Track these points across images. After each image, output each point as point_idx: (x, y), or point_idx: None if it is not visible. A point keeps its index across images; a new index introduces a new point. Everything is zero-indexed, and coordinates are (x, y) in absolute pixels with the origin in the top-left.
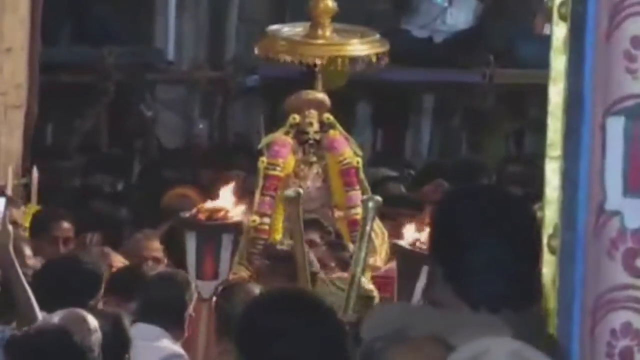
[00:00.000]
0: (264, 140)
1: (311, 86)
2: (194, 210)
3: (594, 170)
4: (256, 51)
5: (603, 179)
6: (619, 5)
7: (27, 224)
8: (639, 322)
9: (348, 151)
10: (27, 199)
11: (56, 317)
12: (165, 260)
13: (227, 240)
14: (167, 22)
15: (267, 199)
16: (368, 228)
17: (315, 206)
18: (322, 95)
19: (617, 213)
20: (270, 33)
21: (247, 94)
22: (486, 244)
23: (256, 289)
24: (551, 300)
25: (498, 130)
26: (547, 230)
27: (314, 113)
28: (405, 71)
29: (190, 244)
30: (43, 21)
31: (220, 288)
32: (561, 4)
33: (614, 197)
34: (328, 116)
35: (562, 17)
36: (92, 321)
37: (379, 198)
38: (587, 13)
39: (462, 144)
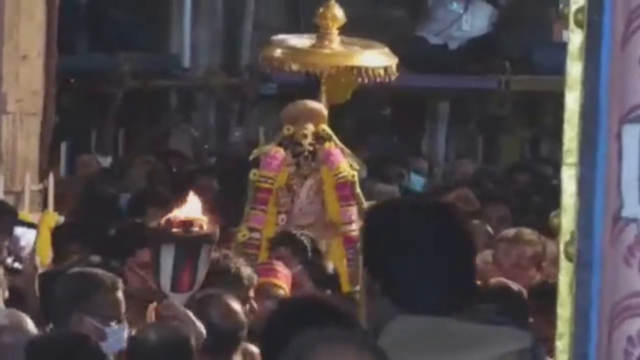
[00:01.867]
0: (256, 152)
1: (316, 97)
2: (164, 221)
3: (610, 178)
4: (261, 59)
5: (619, 186)
6: (634, 13)
7: (45, 230)
8: None
9: (344, 164)
10: (44, 205)
11: None
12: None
13: (205, 251)
14: (182, 30)
15: (258, 212)
16: None
17: (308, 221)
18: (318, 106)
19: (634, 220)
20: (275, 42)
21: (264, 101)
22: (416, 255)
23: (232, 300)
24: (568, 308)
25: (514, 136)
26: (564, 237)
27: (309, 124)
28: (420, 77)
29: (167, 256)
30: (59, 29)
31: (196, 297)
32: (577, 11)
33: (631, 204)
34: (324, 128)
35: (579, 24)
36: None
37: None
38: (603, 20)
39: (477, 150)
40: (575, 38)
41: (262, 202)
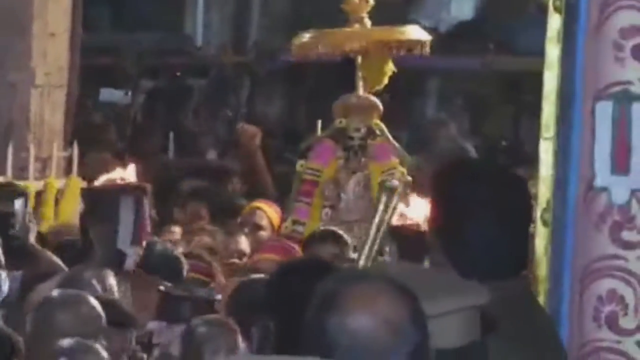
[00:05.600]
0: (306, 142)
1: (350, 77)
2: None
3: (584, 151)
4: (293, 52)
5: (592, 158)
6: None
7: (70, 193)
8: (624, 289)
9: (394, 161)
10: (69, 171)
11: None
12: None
13: (147, 205)
14: (196, 11)
15: (302, 205)
16: (380, 210)
17: (353, 218)
18: (372, 100)
19: (604, 189)
20: (301, 35)
21: (270, 77)
22: (482, 219)
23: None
24: (543, 268)
25: (496, 113)
26: (541, 204)
27: (361, 118)
28: (411, 58)
29: (127, 209)
30: (84, 9)
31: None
32: None
33: (603, 175)
34: (377, 122)
35: (557, 10)
36: None
37: (395, 182)
38: (580, 6)
39: (463, 125)
40: (553, 22)
41: (307, 194)
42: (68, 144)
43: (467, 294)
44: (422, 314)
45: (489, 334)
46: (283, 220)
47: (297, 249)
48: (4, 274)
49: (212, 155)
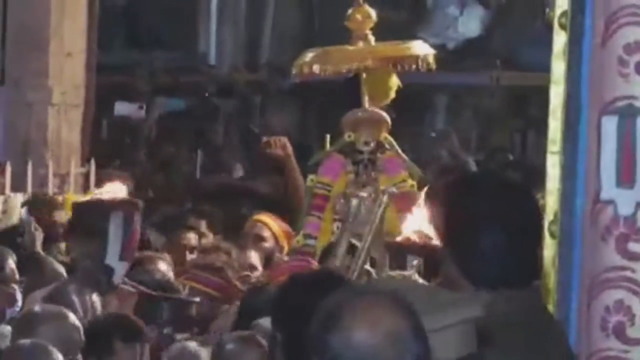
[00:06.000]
0: (316, 156)
1: (354, 96)
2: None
3: (590, 164)
4: (293, 72)
5: (598, 171)
6: (613, 16)
7: None
8: (630, 300)
9: (403, 174)
10: (86, 187)
11: None
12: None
13: (137, 221)
14: (209, 30)
15: (314, 219)
16: (376, 218)
17: (363, 230)
18: (380, 113)
19: (611, 202)
20: (304, 55)
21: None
22: (491, 230)
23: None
24: (551, 279)
25: (503, 127)
26: (548, 217)
27: (370, 132)
28: (420, 75)
29: (116, 224)
30: (99, 29)
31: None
32: (561, 15)
33: (609, 188)
34: (386, 136)
35: (562, 27)
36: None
37: (394, 190)
38: (585, 23)
39: (471, 139)
40: (559, 39)
41: (318, 208)
42: (85, 160)
43: (462, 308)
44: (422, 327)
45: (491, 346)
46: (293, 234)
47: (315, 264)
48: (17, 289)
49: (239, 172)
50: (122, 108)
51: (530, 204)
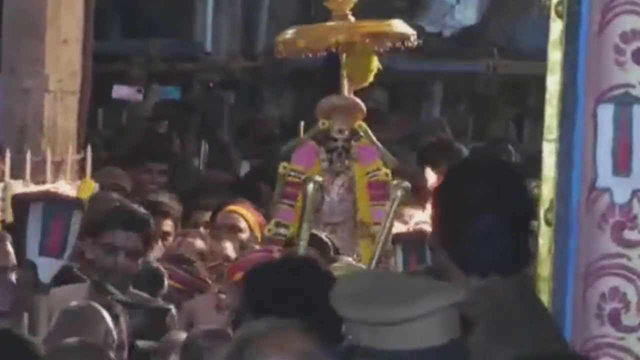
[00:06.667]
0: (289, 144)
1: (335, 77)
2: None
3: (586, 152)
4: (277, 49)
5: (594, 159)
6: (609, 4)
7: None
8: (626, 287)
9: (378, 162)
10: (82, 174)
11: None
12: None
13: (76, 217)
14: (205, 18)
15: (286, 207)
16: (392, 215)
17: (337, 220)
18: (355, 100)
19: (606, 190)
20: (285, 32)
21: (278, 82)
22: (482, 216)
23: None
24: (547, 267)
25: (500, 115)
26: (544, 205)
27: (345, 119)
28: (417, 62)
29: (35, 216)
30: (96, 16)
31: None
32: (558, 3)
33: (604, 176)
34: (360, 124)
35: (559, 15)
36: None
37: (407, 184)
38: (581, 11)
39: (468, 127)
40: (555, 27)
41: (291, 196)
42: (81, 147)
43: (444, 294)
44: (327, 345)
45: (476, 331)
46: (264, 223)
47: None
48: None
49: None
50: (120, 91)
51: (522, 189)
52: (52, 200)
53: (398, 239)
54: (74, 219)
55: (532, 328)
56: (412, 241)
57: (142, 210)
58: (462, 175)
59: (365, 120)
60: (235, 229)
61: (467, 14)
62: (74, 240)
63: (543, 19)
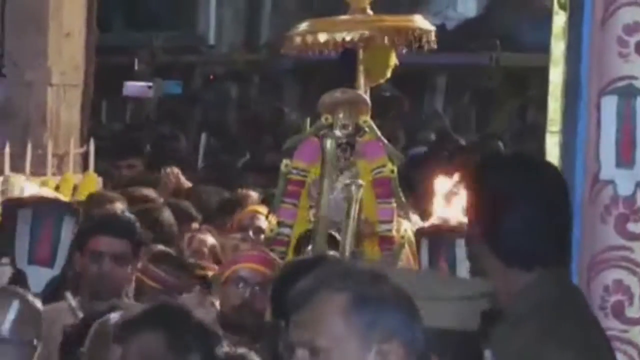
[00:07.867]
0: (291, 141)
1: (349, 71)
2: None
3: (589, 144)
4: (289, 44)
5: (598, 151)
6: None
7: (86, 189)
8: (629, 280)
9: (383, 159)
10: (85, 167)
11: None
12: None
13: (68, 224)
14: (208, 11)
15: (288, 206)
16: (352, 212)
17: (341, 218)
18: (360, 95)
19: (610, 182)
20: (298, 26)
21: (281, 75)
22: (521, 207)
23: None
24: None
25: (503, 107)
26: None
27: (349, 114)
28: (420, 55)
29: (24, 222)
30: (99, 9)
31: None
32: None
33: (608, 168)
34: (365, 119)
35: (562, 7)
36: None
37: (361, 182)
38: (584, 3)
39: (471, 119)
40: (558, 19)
41: (293, 195)
42: (84, 140)
43: (473, 284)
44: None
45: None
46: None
47: (277, 261)
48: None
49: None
50: (130, 88)
51: (559, 182)
52: (42, 206)
53: (423, 233)
54: (65, 225)
55: (584, 331)
56: (437, 237)
57: (127, 215)
58: (502, 167)
59: (387, 109)
60: (259, 230)
61: (469, 7)
62: (66, 248)
63: (546, 11)
